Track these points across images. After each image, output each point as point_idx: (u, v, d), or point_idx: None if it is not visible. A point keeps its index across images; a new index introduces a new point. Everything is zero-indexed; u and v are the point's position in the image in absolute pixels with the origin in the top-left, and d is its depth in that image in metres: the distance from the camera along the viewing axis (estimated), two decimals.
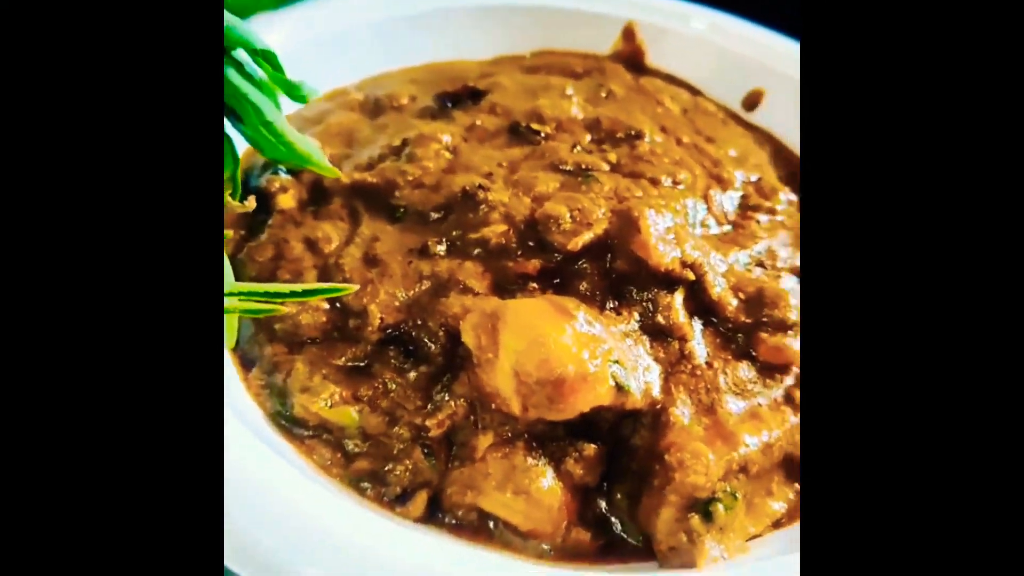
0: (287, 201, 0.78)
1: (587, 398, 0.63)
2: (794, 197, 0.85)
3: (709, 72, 1.01)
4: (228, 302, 0.62)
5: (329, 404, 0.66)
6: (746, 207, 0.81)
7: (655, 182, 0.78)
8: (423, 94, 0.92)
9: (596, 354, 0.64)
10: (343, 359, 0.69)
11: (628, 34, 1.03)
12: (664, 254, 0.69)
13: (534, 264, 0.70)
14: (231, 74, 0.68)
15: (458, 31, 1.01)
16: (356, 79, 0.96)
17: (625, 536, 0.67)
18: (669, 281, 0.70)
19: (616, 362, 0.65)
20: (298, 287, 0.64)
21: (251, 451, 0.59)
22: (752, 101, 1.00)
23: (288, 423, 0.67)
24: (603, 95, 0.92)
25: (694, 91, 1.01)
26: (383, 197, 0.77)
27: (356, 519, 0.58)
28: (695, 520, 0.62)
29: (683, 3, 1.04)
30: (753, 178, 0.85)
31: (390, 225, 0.76)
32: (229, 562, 0.53)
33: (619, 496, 0.67)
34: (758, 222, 0.79)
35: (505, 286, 0.70)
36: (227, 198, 0.70)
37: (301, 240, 0.75)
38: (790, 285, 0.74)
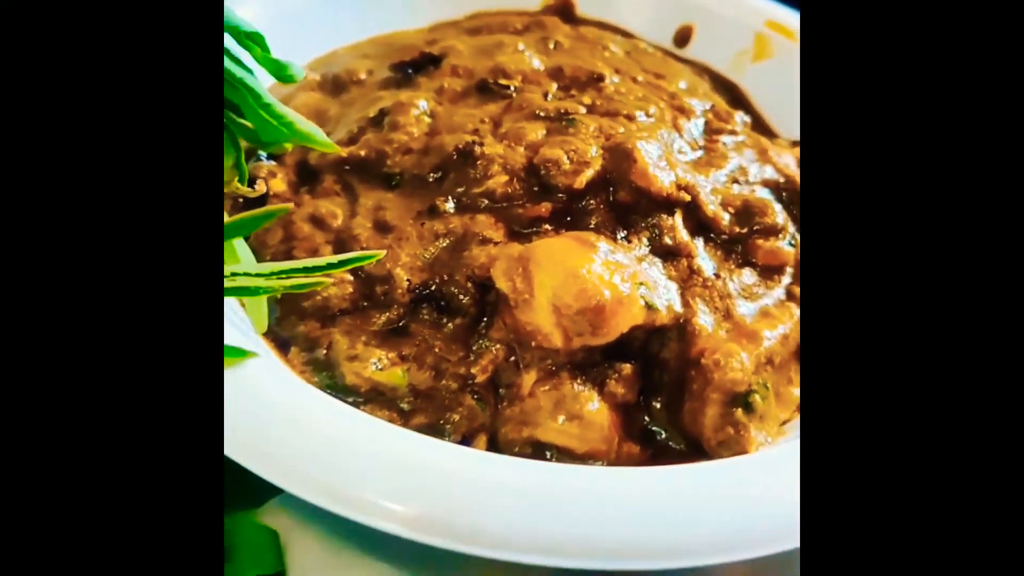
0: (278, 185, 0.78)
1: (625, 319, 0.67)
2: (748, 118, 0.92)
3: (637, 15, 1.06)
4: (267, 282, 0.62)
5: (380, 367, 0.68)
6: (710, 131, 0.87)
7: (630, 118, 0.83)
8: (378, 67, 0.93)
9: (625, 278, 0.68)
10: (379, 324, 0.71)
11: None
12: (662, 180, 0.74)
13: (546, 206, 0.73)
14: (227, 63, 0.68)
15: (394, 2, 1.02)
16: (303, 60, 0.96)
17: (670, 443, 0.72)
18: (668, 204, 0.75)
19: (642, 284, 0.69)
20: (333, 259, 0.65)
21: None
22: (683, 37, 1.06)
23: (340, 393, 0.68)
24: (551, 47, 0.96)
25: (627, 35, 1.06)
26: (374, 167, 0.79)
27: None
28: (739, 413, 0.68)
29: None
30: (708, 105, 0.91)
31: (389, 192, 0.77)
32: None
33: (658, 408, 0.72)
34: (724, 144, 0.85)
35: (520, 231, 0.73)
36: (236, 185, 0.70)
37: (306, 219, 0.76)
38: (767, 195, 0.81)
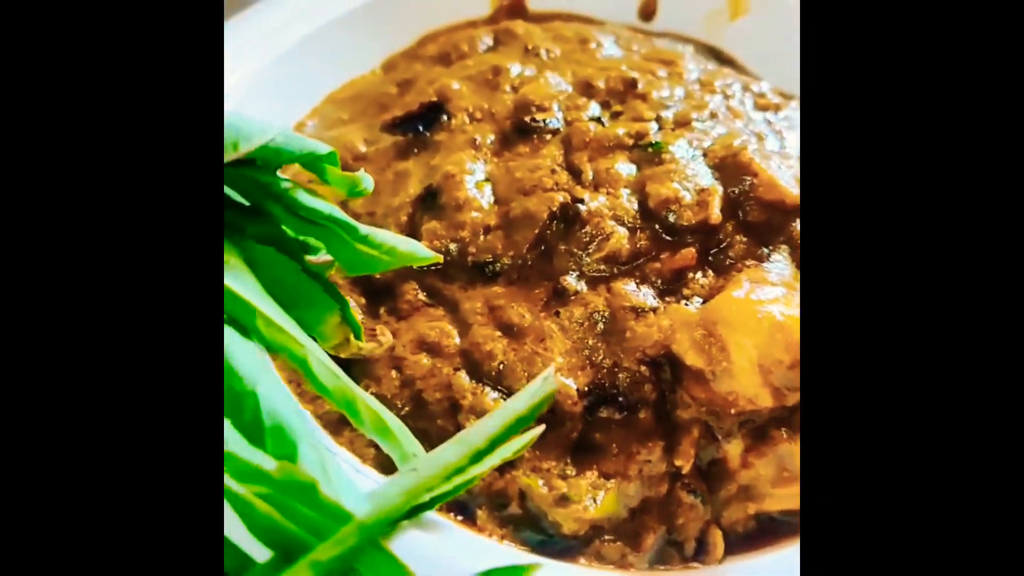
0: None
1: None
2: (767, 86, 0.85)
3: None
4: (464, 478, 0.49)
5: (596, 500, 0.57)
6: (761, 110, 0.80)
7: (685, 123, 0.74)
8: (370, 132, 0.78)
9: None
10: (560, 448, 0.59)
11: None
12: (788, 186, 0.66)
13: (690, 252, 0.64)
14: (304, 199, 0.52)
15: (341, 46, 0.86)
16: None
17: None
18: (796, 210, 0.67)
19: None
20: (519, 409, 0.53)
21: None
22: (648, 10, 0.98)
23: (558, 544, 0.57)
24: (546, 58, 0.84)
25: (591, 21, 0.96)
26: (457, 262, 0.66)
27: None
28: None
29: None
30: (738, 83, 0.83)
31: (493, 287, 0.65)
32: None
33: None
34: (783, 121, 0.78)
35: (671, 290, 0.64)
36: (355, 344, 0.56)
37: (416, 349, 0.62)
38: None
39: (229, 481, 0.41)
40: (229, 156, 0.48)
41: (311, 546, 0.41)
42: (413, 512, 0.45)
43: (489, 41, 0.89)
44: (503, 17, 0.94)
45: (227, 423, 0.42)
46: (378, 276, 0.66)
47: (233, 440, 0.42)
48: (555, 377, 0.56)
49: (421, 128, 0.76)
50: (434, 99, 0.77)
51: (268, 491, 0.41)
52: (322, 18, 0.87)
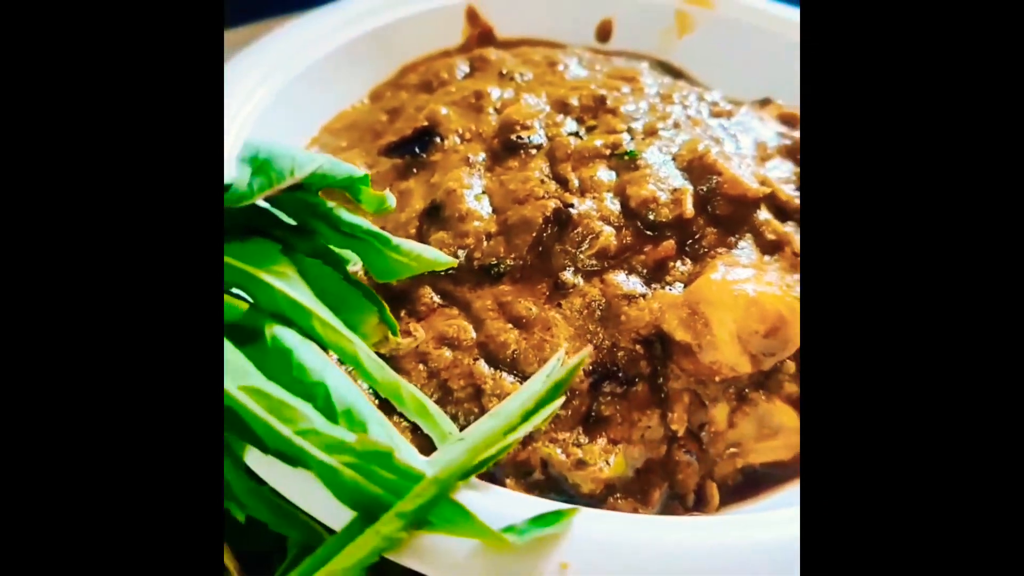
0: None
1: (797, 326, 0.70)
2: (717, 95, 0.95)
3: (555, 23, 1.06)
4: (502, 443, 0.56)
5: (608, 462, 0.66)
6: (716, 117, 0.90)
7: (653, 132, 0.83)
8: (369, 157, 0.86)
9: (780, 286, 0.71)
10: (573, 421, 0.68)
11: (472, 17, 1.04)
12: (749, 181, 0.76)
13: (670, 244, 0.73)
14: (344, 216, 0.60)
15: (330, 82, 0.94)
16: None
17: None
18: (757, 202, 0.77)
19: (787, 285, 0.72)
20: (544, 382, 0.61)
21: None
22: (605, 32, 1.07)
23: (579, 504, 0.65)
24: (520, 81, 0.93)
25: (554, 45, 1.05)
26: (466, 266, 0.74)
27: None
28: None
29: None
30: (694, 93, 0.93)
31: (499, 286, 0.73)
32: None
33: None
34: (736, 125, 0.88)
35: (656, 278, 0.73)
36: (393, 340, 0.64)
37: (438, 345, 0.70)
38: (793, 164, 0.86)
39: (318, 453, 0.48)
40: (288, 182, 0.55)
41: (391, 503, 0.48)
42: (466, 474, 0.53)
43: (465, 68, 0.97)
44: (474, 45, 1.03)
45: (308, 406, 0.50)
46: (395, 284, 0.73)
47: (316, 420, 0.49)
48: (566, 358, 0.64)
49: (417, 150, 0.84)
50: (425, 124, 0.86)
51: (352, 459, 0.48)
52: (309, 58, 0.95)
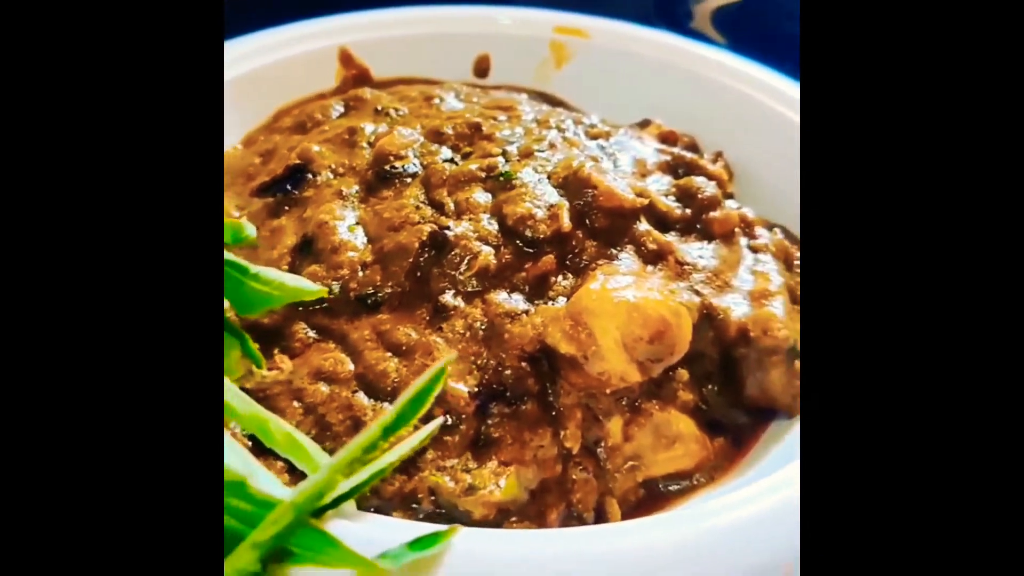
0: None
1: (687, 328, 0.69)
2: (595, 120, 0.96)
3: (432, 62, 1.06)
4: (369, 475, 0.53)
5: (499, 485, 0.63)
6: (593, 138, 0.90)
7: (529, 154, 0.83)
8: (240, 199, 0.83)
9: (661, 291, 0.70)
10: (461, 446, 0.65)
11: (346, 59, 1.03)
12: (625, 193, 0.76)
13: (549, 259, 0.72)
14: None
15: None
16: None
17: (736, 422, 0.75)
18: (635, 214, 0.77)
19: (671, 291, 0.71)
20: (402, 406, 0.57)
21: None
22: (482, 68, 1.08)
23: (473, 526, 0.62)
24: (396, 116, 0.92)
25: (431, 82, 1.05)
26: (340, 299, 0.71)
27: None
28: (798, 363, 0.73)
29: (374, 12, 1.06)
30: (571, 117, 0.94)
31: (376, 315, 0.70)
32: None
33: (715, 395, 0.75)
34: (614, 145, 0.89)
35: (538, 294, 0.71)
36: (259, 373, 0.60)
37: (313, 380, 0.66)
38: (686, 174, 0.86)
39: None
40: None
41: (246, 535, 0.44)
42: (335, 501, 0.49)
43: (340, 108, 0.96)
44: (350, 87, 1.02)
45: None
46: (266, 321, 0.70)
47: None
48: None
49: (289, 187, 0.82)
50: (297, 161, 0.83)
51: None
52: None
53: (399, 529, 0.52)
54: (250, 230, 0.62)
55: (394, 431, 0.49)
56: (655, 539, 0.52)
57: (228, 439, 0.49)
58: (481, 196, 0.76)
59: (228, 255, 0.59)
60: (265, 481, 0.47)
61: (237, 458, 0.48)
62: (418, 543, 0.49)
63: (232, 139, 0.95)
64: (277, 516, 0.44)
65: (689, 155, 0.91)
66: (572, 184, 0.76)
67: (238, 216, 0.81)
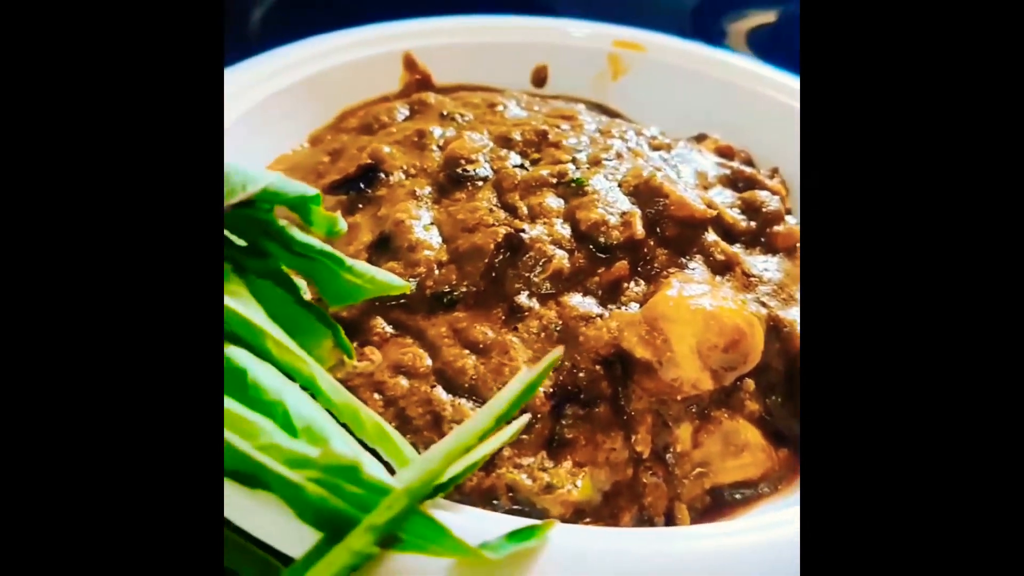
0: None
1: (759, 338, 0.70)
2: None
3: (491, 71, 1.07)
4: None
5: (576, 485, 0.64)
6: (656, 150, 0.91)
7: (597, 162, 0.84)
8: None
9: (735, 301, 0.71)
10: (536, 444, 0.66)
11: (409, 64, 1.04)
12: (695, 203, 0.77)
13: (623, 265, 0.73)
14: (297, 235, 0.58)
15: (267, 127, 0.93)
16: None
17: (797, 435, 0.76)
18: (704, 224, 0.78)
19: (743, 300, 0.72)
20: (509, 395, 0.58)
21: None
22: (540, 78, 1.09)
23: None
24: (462, 121, 0.94)
25: (491, 89, 1.06)
26: (416, 295, 0.72)
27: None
28: None
29: (437, 19, 1.08)
30: (633, 128, 0.95)
31: (452, 313, 0.71)
32: None
33: (779, 406, 0.75)
34: (677, 157, 0.90)
35: (611, 299, 0.72)
36: (350, 364, 0.61)
37: (392, 374, 0.67)
38: (746, 188, 0.88)
39: (280, 469, 0.45)
40: (237, 198, 0.53)
41: (358, 520, 0.45)
42: (432, 492, 0.50)
43: (405, 111, 0.97)
44: (412, 91, 1.04)
45: (268, 421, 0.47)
46: (345, 314, 0.71)
47: (277, 435, 0.47)
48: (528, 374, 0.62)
49: (362, 186, 0.83)
50: (369, 161, 0.85)
51: (316, 474, 0.45)
52: (246, 104, 0.93)
53: (494, 521, 0.53)
54: (342, 224, 0.63)
55: (506, 419, 0.50)
56: (749, 542, 0.53)
57: (334, 426, 0.50)
58: (553, 201, 0.78)
59: (326, 247, 0.60)
60: (374, 468, 0.48)
61: (345, 445, 0.49)
62: (517, 535, 0.50)
63: (298, 138, 0.96)
64: (392, 501, 0.45)
65: (748, 169, 0.92)
66: (643, 192, 0.78)
67: None
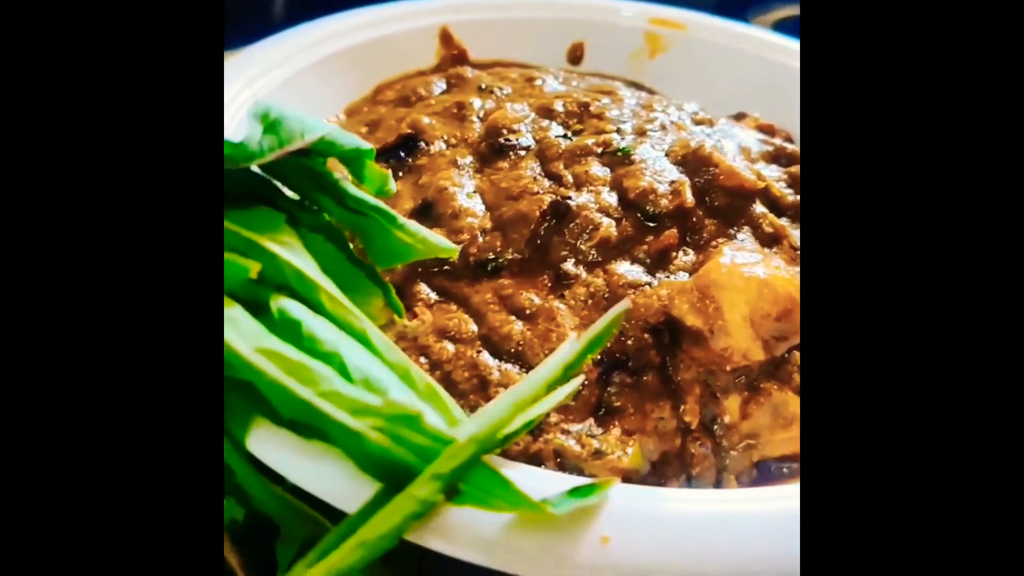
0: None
1: None
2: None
3: (526, 47, 1.06)
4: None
5: (626, 452, 0.62)
6: (698, 124, 0.90)
7: (643, 133, 0.83)
8: None
9: (787, 271, 0.69)
10: (583, 411, 0.64)
11: (445, 38, 1.03)
12: (745, 174, 0.76)
13: (673, 233, 0.71)
14: (351, 189, 0.57)
15: (301, 99, 0.92)
16: None
17: None
18: (753, 195, 0.77)
19: (795, 273, 0.71)
20: (568, 355, 0.57)
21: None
22: (576, 55, 1.08)
23: None
24: (500, 94, 0.92)
25: (527, 66, 1.05)
26: (460, 261, 0.71)
27: None
28: None
29: None
30: (673, 102, 0.94)
31: (497, 280, 0.70)
32: None
33: None
34: (718, 131, 0.89)
35: (660, 267, 0.71)
36: (400, 322, 0.60)
37: (439, 339, 0.66)
38: (789, 164, 0.86)
39: (342, 416, 0.44)
40: (296, 144, 0.52)
41: (420, 470, 0.44)
42: (489, 447, 0.49)
43: (443, 85, 0.96)
44: (448, 66, 1.02)
45: (329, 368, 0.46)
46: (387, 279, 0.70)
47: (338, 382, 0.45)
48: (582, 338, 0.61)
49: (403, 155, 0.82)
50: (409, 131, 0.84)
51: (378, 422, 0.44)
52: (281, 75, 0.92)
53: (551, 479, 0.51)
54: (392, 184, 0.62)
55: (575, 368, 0.49)
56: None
57: (392, 377, 0.49)
58: (599, 170, 0.76)
59: (379, 203, 0.59)
60: (435, 418, 0.46)
61: (405, 398, 0.47)
62: (579, 491, 0.48)
63: (333, 110, 0.95)
64: (456, 450, 0.44)
65: (791, 146, 0.91)
66: (692, 162, 0.76)
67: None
